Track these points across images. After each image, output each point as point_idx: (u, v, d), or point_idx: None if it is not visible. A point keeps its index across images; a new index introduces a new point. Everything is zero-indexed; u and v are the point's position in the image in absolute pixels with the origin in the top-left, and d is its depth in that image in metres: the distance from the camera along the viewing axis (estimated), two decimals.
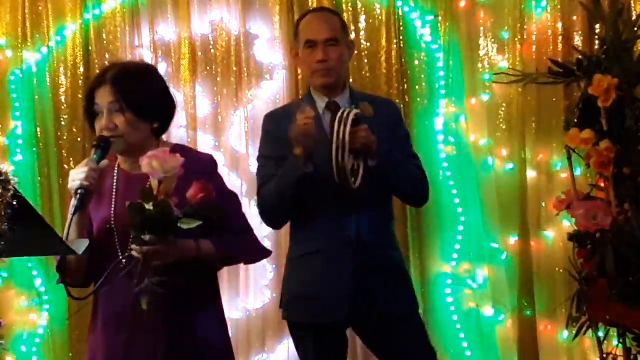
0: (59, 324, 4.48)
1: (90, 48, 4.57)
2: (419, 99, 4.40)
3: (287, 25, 4.46)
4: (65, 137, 4.55)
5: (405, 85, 4.42)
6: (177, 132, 4.30)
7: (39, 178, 4.52)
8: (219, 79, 4.51)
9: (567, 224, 3.85)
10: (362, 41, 4.43)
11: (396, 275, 3.10)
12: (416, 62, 4.42)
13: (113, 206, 2.55)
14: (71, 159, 4.50)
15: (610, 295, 3.10)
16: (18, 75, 4.55)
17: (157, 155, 2.33)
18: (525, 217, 4.31)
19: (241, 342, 4.35)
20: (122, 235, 2.49)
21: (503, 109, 4.36)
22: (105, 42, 4.56)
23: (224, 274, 4.18)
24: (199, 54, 4.52)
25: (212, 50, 4.52)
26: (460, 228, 4.31)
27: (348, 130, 2.79)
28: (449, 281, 4.31)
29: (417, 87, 4.41)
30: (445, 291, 4.31)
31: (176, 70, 4.48)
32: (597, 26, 3.86)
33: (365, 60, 4.42)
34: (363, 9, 4.45)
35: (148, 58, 4.44)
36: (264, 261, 3.00)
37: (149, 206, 2.29)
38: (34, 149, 4.53)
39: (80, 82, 4.55)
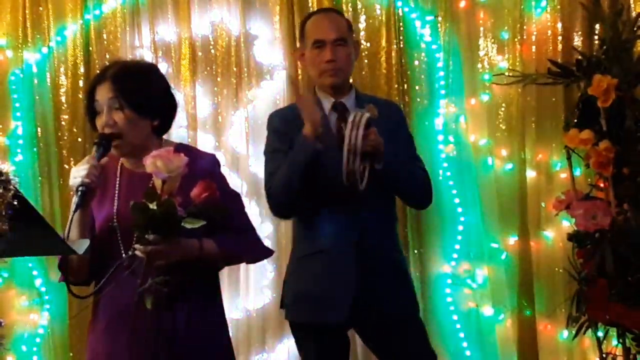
0: (60, 324, 4.48)
1: (90, 48, 4.57)
2: (419, 99, 4.40)
3: (287, 25, 4.46)
4: (65, 137, 4.55)
5: (405, 85, 4.42)
6: (177, 132, 4.30)
7: (40, 178, 4.52)
8: (219, 79, 4.51)
9: (567, 224, 3.85)
10: (362, 41, 4.43)
11: (398, 277, 3.10)
12: (416, 62, 4.42)
13: (116, 204, 2.56)
14: (71, 158, 4.50)
15: (610, 295, 3.10)
16: (18, 76, 4.55)
17: (161, 154, 2.33)
18: (525, 217, 4.31)
19: (241, 342, 4.35)
20: (125, 233, 2.49)
21: (503, 109, 4.36)
22: (105, 42, 4.57)
23: (224, 274, 4.18)
24: (199, 54, 4.52)
25: (212, 50, 4.53)
26: (460, 228, 4.31)
27: (361, 134, 2.79)
28: (449, 281, 4.31)
29: (417, 87, 4.41)
30: (445, 291, 4.31)
31: (176, 70, 4.49)
32: (597, 26, 3.86)
33: (365, 60, 4.42)
34: (363, 9, 4.46)
35: (148, 58, 4.44)
36: (264, 261, 3.01)
37: (153, 206, 2.30)
38: (35, 149, 4.54)
39: (81, 82, 4.55)
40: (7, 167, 1.93)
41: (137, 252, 2.37)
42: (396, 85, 4.40)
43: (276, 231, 4.44)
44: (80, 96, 4.53)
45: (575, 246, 3.26)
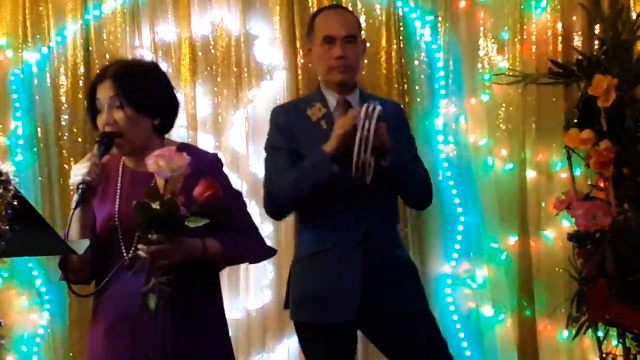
0: (60, 324, 4.48)
1: (90, 48, 4.57)
2: (419, 99, 4.40)
3: (287, 25, 4.47)
4: (65, 137, 4.55)
5: (405, 85, 4.42)
6: (177, 132, 4.30)
7: (40, 178, 4.52)
8: (219, 79, 4.51)
9: (567, 224, 3.87)
10: None
11: (405, 274, 3.09)
12: (416, 62, 4.42)
13: (117, 203, 2.55)
14: (71, 158, 4.50)
15: (610, 295, 3.10)
16: (18, 76, 4.55)
17: (164, 154, 2.33)
18: (525, 217, 4.31)
19: (241, 342, 4.35)
20: (126, 232, 2.49)
21: (503, 109, 4.36)
22: (105, 42, 4.57)
23: (224, 274, 4.17)
24: (199, 54, 4.52)
25: (212, 50, 4.53)
26: (460, 228, 4.32)
27: (373, 124, 2.78)
28: (449, 281, 4.31)
29: (417, 87, 4.42)
30: (445, 291, 4.31)
31: (176, 70, 4.49)
32: (597, 26, 3.86)
33: (365, 61, 4.42)
34: (363, 9, 4.46)
35: (148, 58, 4.43)
36: (264, 261, 3.00)
37: (156, 205, 2.29)
38: (35, 149, 4.54)
39: (81, 82, 4.55)
40: (7, 167, 1.93)
41: (140, 252, 2.37)
42: (396, 85, 4.40)
43: (276, 231, 4.44)
44: (80, 96, 4.53)
45: (575, 246, 3.26)
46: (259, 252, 2.72)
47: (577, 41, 4.25)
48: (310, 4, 4.46)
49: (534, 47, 4.33)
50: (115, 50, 4.53)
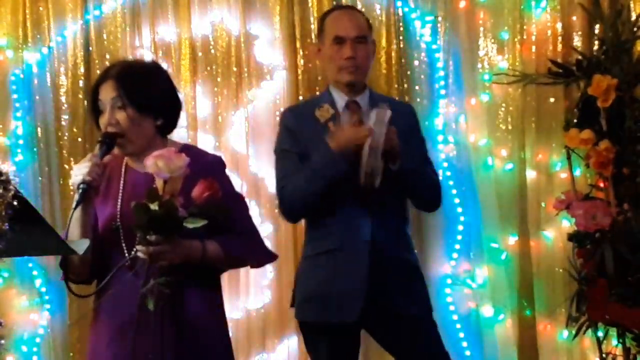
0: (60, 324, 4.48)
1: (90, 48, 4.57)
2: (418, 99, 4.40)
3: (287, 25, 4.47)
4: (65, 137, 4.55)
5: (405, 85, 4.42)
6: (178, 132, 4.25)
7: (40, 178, 4.52)
8: (219, 79, 4.51)
9: (567, 224, 3.87)
10: None
11: (411, 277, 3.08)
12: (416, 62, 4.42)
13: (119, 204, 2.55)
14: (71, 158, 4.50)
15: (610, 295, 3.11)
16: (19, 76, 4.55)
17: (163, 154, 2.33)
18: (525, 217, 4.31)
19: (241, 342, 4.35)
20: (127, 233, 2.49)
21: (503, 109, 4.36)
22: (105, 42, 4.56)
23: (224, 274, 4.17)
24: (199, 54, 4.52)
25: (212, 50, 4.53)
26: (460, 228, 4.32)
27: (384, 131, 2.78)
28: (449, 281, 4.31)
29: (417, 87, 4.41)
30: (445, 291, 4.31)
31: (176, 70, 4.48)
32: (597, 27, 3.86)
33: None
34: (363, 9, 4.43)
35: (148, 58, 4.43)
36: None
37: (155, 206, 2.29)
38: (35, 149, 4.53)
39: (81, 82, 4.55)
40: (7, 167, 1.93)
41: (139, 253, 2.37)
42: (396, 85, 4.40)
43: (276, 231, 4.43)
44: (81, 96, 4.53)
45: (575, 246, 3.26)
46: (260, 256, 2.70)
47: (577, 41, 4.25)
48: (310, 4, 4.47)
49: (533, 47, 4.33)
50: (116, 50, 4.53)
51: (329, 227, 3.02)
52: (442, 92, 4.38)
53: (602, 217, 3.11)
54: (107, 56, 4.52)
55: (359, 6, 4.43)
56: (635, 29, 3.28)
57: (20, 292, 4.47)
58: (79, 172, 2.44)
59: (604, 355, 3.27)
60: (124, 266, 2.46)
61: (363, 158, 2.79)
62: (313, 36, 4.44)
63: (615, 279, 3.11)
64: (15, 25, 4.58)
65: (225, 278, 4.24)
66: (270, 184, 4.46)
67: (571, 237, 3.27)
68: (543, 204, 4.26)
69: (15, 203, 1.91)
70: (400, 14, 4.44)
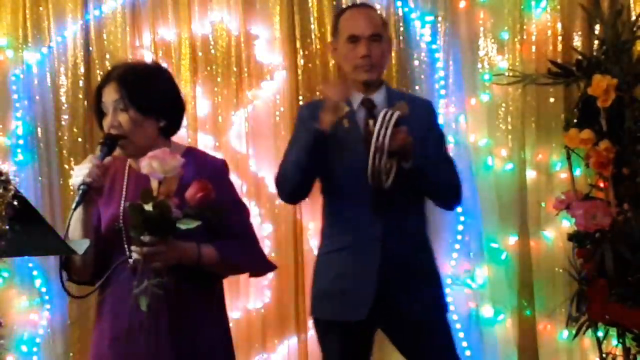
0: (60, 324, 4.47)
1: (90, 48, 4.57)
2: None
3: (287, 25, 4.46)
4: (65, 137, 4.54)
5: (405, 86, 4.42)
6: (177, 132, 4.29)
7: (40, 178, 4.52)
8: (219, 79, 4.51)
9: (567, 224, 3.87)
10: None
11: (424, 278, 3.05)
12: (416, 62, 4.42)
13: (122, 205, 2.56)
14: (71, 158, 4.50)
15: (610, 295, 3.11)
16: (19, 76, 4.55)
17: (157, 155, 2.33)
18: (525, 217, 4.31)
19: (241, 342, 4.35)
20: (130, 234, 2.49)
21: (503, 109, 4.36)
22: (105, 42, 4.56)
23: None
24: (199, 54, 4.52)
25: (212, 50, 4.52)
26: (460, 228, 4.31)
27: (389, 133, 2.78)
28: (449, 281, 4.31)
29: (417, 87, 4.41)
30: (445, 291, 4.30)
31: (176, 70, 4.48)
32: (597, 27, 3.87)
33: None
34: None
35: (148, 58, 4.43)
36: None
37: (149, 207, 2.29)
38: (35, 149, 4.53)
39: (81, 82, 4.55)
40: (7, 167, 1.93)
41: (134, 254, 2.37)
42: (396, 85, 4.40)
43: (276, 231, 4.43)
44: (81, 96, 4.53)
45: (575, 246, 3.27)
46: (258, 264, 2.69)
47: (577, 41, 4.24)
48: (310, 4, 4.46)
49: (533, 47, 4.32)
50: (116, 50, 4.53)
51: (342, 225, 3.03)
52: (442, 92, 4.38)
53: (602, 217, 3.11)
54: (107, 56, 4.52)
55: None
56: (635, 29, 3.28)
57: (20, 292, 4.47)
58: (79, 173, 2.44)
59: (604, 355, 3.27)
60: (125, 267, 2.46)
61: (369, 158, 2.80)
62: (313, 36, 4.44)
63: (615, 279, 3.11)
64: (15, 25, 4.58)
65: (226, 278, 4.25)
66: (270, 184, 4.46)
67: (571, 237, 3.28)
68: (543, 204, 4.26)
69: (15, 203, 1.92)
70: (400, 14, 4.44)
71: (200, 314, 2.55)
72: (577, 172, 3.73)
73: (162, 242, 2.34)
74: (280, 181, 3.08)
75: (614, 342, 3.28)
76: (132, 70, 2.59)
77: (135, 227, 2.32)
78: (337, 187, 3.01)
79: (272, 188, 4.43)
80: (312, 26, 4.44)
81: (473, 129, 4.38)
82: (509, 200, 4.34)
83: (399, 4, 4.43)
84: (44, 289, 4.45)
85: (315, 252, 4.40)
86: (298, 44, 4.46)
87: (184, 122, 4.37)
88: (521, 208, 4.33)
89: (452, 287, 4.31)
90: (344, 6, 4.42)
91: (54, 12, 4.57)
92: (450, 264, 4.32)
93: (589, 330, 3.23)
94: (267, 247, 4.33)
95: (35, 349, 4.45)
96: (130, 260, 2.42)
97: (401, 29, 4.44)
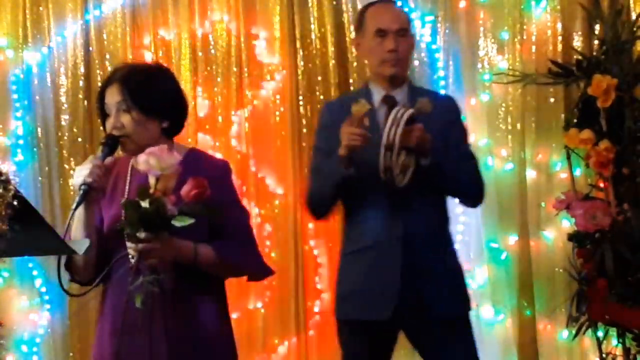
0: (60, 324, 4.48)
1: (90, 48, 4.57)
2: None
3: (287, 25, 4.46)
4: (65, 137, 4.54)
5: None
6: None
7: (40, 178, 4.52)
8: (219, 79, 4.51)
9: (567, 224, 3.87)
10: None
11: (446, 276, 3.02)
12: (416, 62, 4.41)
13: (121, 204, 2.56)
14: (71, 158, 4.50)
15: (610, 295, 3.11)
16: (19, 76, 4.55)
17: (154, 152, 2.33)
18: (525, 217, 4.31)
19: (241, 342, 4.33)
20: None
21: (503, 109, 4.36)
22: (105, 42, 4.56)
23: None
24: (199, 54, 4.52)
25: (212, 50, 4.52)
26: (460, 228, 4.31)
27: (399, 131, 2.76)
28: None
29: None
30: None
31: (176, 70, 4.47)
32: (597, 27, 3.87)
33: (366, 60, 4.41)
34: None
35: (148, 58, 4.44)
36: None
37: (145, 203, 2.29)
38: (35, 149, 4.53)
39: (81, 82, 4.55)
40: (7, 167, 1.93)
41: (129, 250, 2.37)
42: None
43: (276, 231, 4.43)
44: (81, 96, 4.53)
45: (575, 246, 3.26)
46: (255, 267, 2.68)
47: (577, 41, 4.24)
48: (310, 4, 4.46)
49: (533, 47, 4.32)
50: (116, 50, 4.53)
51: (363, 224, 3.02)
52: (442, 92, 4.38)
53: (602, 217, 3.11)
54: (107, 56, 4.52)
55: (359, 6, 4.43)
56: (635, 29, 3.28)
57: (20, 292, 4.47)
58: (80, 173, 2.45)
59: (604, 355, 3.27)
60: (126, 264, 2.46)
61: (380, 156, 2.79)
62: (313, 36, 4.44)
63: (615, 279, 3.11)
64: (15, 25, 4.58)
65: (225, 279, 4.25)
66: (270, 183, 4.46)
67: (571, 237, 3.28)
68: (543, 204, 4.26)
69: (15, 203, 1.92)
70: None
71: (199, 311, 2.55)
72: (577, 172, 3.73)
73: (157, 239, 2.34)
74: (309, 205, 3.10)
75: (614, 342, 3.27)
76: (134, 71, 2.59)
77: (131, 224, 2.32)
78: (357, 186, 2.98)
79: (272, 188, 4.45)
80: (312, 26, 4.45)
81: (473, 129, 4.37)
82: (509, 200, 4.34)
83: (399, 4, 4.43)
84: (44, 289, 4.45)
85: (315, 252, 4.45)
86: (298, 44, 4.46)
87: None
88: (521, 208, 4.33)
89: None
90: (343, 6, 4.44)
91: (54, 12, 4.57)
92: None
93: (589, 330, 3.22)
94: (267, 247, 4.33)
95: (35, 349, 4.45)
96: (132, 260, 2.43)
97: None
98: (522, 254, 4.31)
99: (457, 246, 4.25)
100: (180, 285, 2.45)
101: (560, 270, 4.02)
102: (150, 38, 4.53)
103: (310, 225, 4.42)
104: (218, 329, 2.61)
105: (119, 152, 2.62)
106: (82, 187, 2.43)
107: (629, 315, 3.08)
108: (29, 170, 4.50)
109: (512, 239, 4.33)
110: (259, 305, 4.42)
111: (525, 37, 4.34)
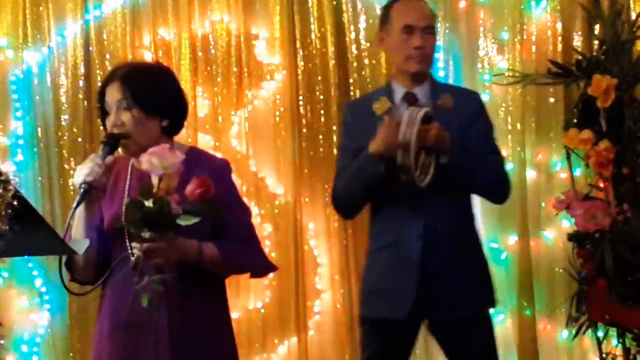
0: (60, 324, 4.48)
1: (90, 48, 4.56)
2: None
3: (287, 25, 4.46)
4: (65, 137, 4.54)
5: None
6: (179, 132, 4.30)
7: (40, 178, 4.52)
8: (219, 79, 4.51)
9: (567, 224, 3.87)
10: (362, 41, 4.43)
11: (468, 274, 3.02)
12: None
13: (124, 204, 2.56)
14: (71, 158, 4.50)
15: (610, 295, 3.11)
16: (19, 76, 4.55)
17: (157, 151, 2.33)
18: (525, 217, 4.31)
19: (241, 342, 4.34)
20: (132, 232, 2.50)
21: (503, 109, 4.36)
22: (105, 42, 4.56)
23: None
24: (199, 54, 4.52)
25: (212, 50, 4.52)
26: None
27: (415, 131, 2.76)
28: None
29: None
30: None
31: (176, 70, 4.46)
32: (597, 27, 3.87)
33: (366, 61, 4.42)
34: (363, 9, 4.45)
35: (148, 58, 4.44)
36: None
37: (149, 203, 2.30)
38: (35, 149, 4.53)
39: (81, 82, 4.55)
40: (7, 167, 1.94)
41: (134, 250, 2.37)
42: None
43: (276, 231, 4.44)
44: (81, 96, 4.53)
45: (575, 246, 3.26)
46: (259, 265, 2.69)
47: (577, 41, 4.24)
48: (310, 4, 4.46)
49: (533, 47, 4.32)
50: (116, 50, 4.53)
51: (386, 223, 3.02)
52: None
53: (602, 217, 3.11)
54: (107, 56, 4.52)
55: (359, 6, 4.44)
56: (635, 29, 3.28)
57: (20, 292, 4.47)
58: (80, 172, 2.45)
59: (604, 355, 3.27)
60: (126, 263, 2.46)
61: (397, 156, 2.79)
62: (313, 36, 4.44)
63: (615, 279, 3.11)
64: (15, 25, 4.57)
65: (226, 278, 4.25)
66: (270, 183, 4.46)
67: (571, 237, 3.27)
68: (543, 204, 4.26)
69: (15, 203, 1.92)
70: None
71: (200, 309, 2.55)
72: (577, 172, 3.72)
73: (162, 239, 2.34)
74: (335, 203, 3.11)
75: (614, 342, 3.27)
76: (135, 70, 2.60)
77: (135, 223, 2.32)
78: (380, 184, 2.98)
79: (272, 188, 4.45)
80: (312, 26, 4.45)
81: None
82: (509, 200, 4.32)
83: None
84: (44, 289, 4.45)
85: (315, 252, 4.45)
86: (298, 44, 4.46)
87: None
88: (521, 208, 4.33)
89: None
90: (343, 6, 4.44)
91: (54, 12, 4.57)
92: None
93: (589, 330, 3.22)
94: (267, 247, 4.33)
95: (35, 349, 4.45)
96: (132, 258, 2.43)
97: None
98: (522, 254, 4.31)
99: None
100: (180, 285, 2.45)
101: (560, 270, 4.02)
102: (150, 38, 4.53)
103: (311, 225, 4.43)
104: (218, 329, 2.61)
105: (119, 152, 2.63)
106: (83, 186, 2.43)
107: (629, 315, 3.08)
108: (29, 170, 4.50)
109: (512, 239, 4.33)
110: (259, 305, 4.42)
111: (525, 37, 4.34)
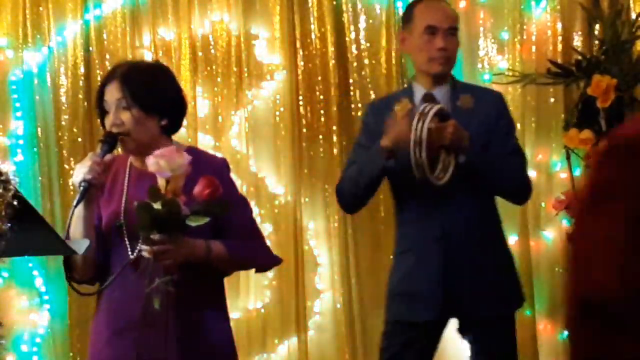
0: (60, 324, 4.48)
1: (90, 48, 4.56)
2: None
3: (287, 25, 4.46)
4: (65, 137, 4.54)
5: (405, 85, 4.41)
6: (178, 132, 4.29)
7: (40, 178, 4.51)
8: (219, 79, 4.51)
9: (567, 224, 3.87)
10: (362, 41, 4.43)
11: (492, 273, 3.00)
12: None
13: (123, 202, 2.56)
14: (71, 158, 4.49)
15: None
16: (19, 76, 4.55)
17: (164, 153, 2.34)
18: (525, 217, 4.30)
19: (241, 342, 4.34)
20: (131, 231, 2.50)
21: None
22: (105, 42, 4.56)
23: None
24: (199, 54, 4.52)
25: (212, 50, 4.52)
26: None
27: (426, 126, 2.75)
28: None
29: None
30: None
31: (176, 70, 4.46)
32: (597, 27, 3.87)
33: (365, 61, 4.42)
34: (363, 9, 4.45)
35: (148, 58, 4.44)
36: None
37: (157, 205, 2.30)
38: (35, 149, 4.53)
39: (81, 82, 4.55)
40: (7, 167, 1.94)
41: (144, 253, 2.37)
42: (396, 85, 4.39)
43: (276, 231, 4.43)
44: (81, 96, 4.53)
45: None
46: (265, 259, 2.71)
47: (577, 41, 4.24)
48: (310, 4, 4.46)
49: (533, 47, 4.32)
50: (116, 50, 4.53)
51: (407, 225, 3.03)
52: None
53: None
54: (107, 56, 4.52)
55: (359, 6, 4.44)
56: (635, 29, 3.29)
57: (20, 292, 4.47)
58: (80, 170, 2.46)
59: None
60: (128, 265, 2.47)
61: (410, 154, 2.78)
62: (313, 36, 4.44)
63: None
64: (15, 25, 4.57)
65: (226, 278, 4.25)
66: (270, 184, 4.46)
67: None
68: (543, 204, 4.26)
69: (15, 203, 1.92)
70: (401, 14, 4.43)
71: (204, 309, 2.56)
72: (577, 172, 3.73)
73: (172, 240, 2.34)
74: (338, 195, 3.11)
75: None
76: (135, 69, 2.60)
77: (144, 226, 2.32)
78: (400, 186, 2.99)
79: (272, 188, 4.45)
80: (312, 26, 4.44)
81: None
82: None
83: (399, 4, 4.43)
84: (43, 289, 4.45)
85: (315, 252, 4.45)
86: (298, 44, 4.46)
87: (184, 121, 4.41)
88: (521, 208, 4.31)
89: None
90: (343, 6, 4.44)
91: (54, 12, 4.57)
92: None
93: None
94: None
95: (35, 349, 4.45)
96: (131, 256, 2.43)
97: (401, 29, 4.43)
98: (522, 254, 4.30)
99: None
100: (180, 285, 2.45)
101: (560, 270, 4.02)
102: (150, 38, 4.53)
103: (311, 226, 4.42)
104: (218, 329, 2.61)
105: (118, 150, 2.63)
106: (82, 184, 2.43)
107: None
108: (29, 170, 4.50)
109: (512, 239, 4.31)
110: (259, 305, 4.42)
111: (525, 37, 4.34)
